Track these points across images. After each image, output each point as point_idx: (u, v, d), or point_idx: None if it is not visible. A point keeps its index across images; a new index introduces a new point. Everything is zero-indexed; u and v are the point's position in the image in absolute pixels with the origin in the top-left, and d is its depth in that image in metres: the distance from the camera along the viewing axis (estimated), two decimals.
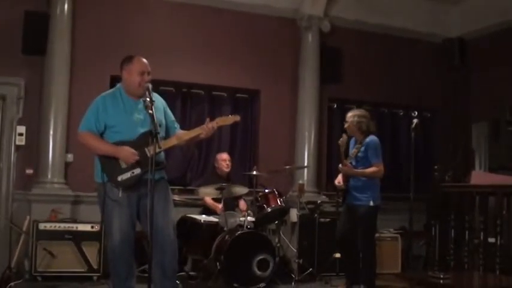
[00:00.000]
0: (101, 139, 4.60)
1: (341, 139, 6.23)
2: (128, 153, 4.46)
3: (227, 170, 7.66)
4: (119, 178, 4.50)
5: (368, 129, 6.25)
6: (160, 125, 4.46)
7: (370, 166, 6.11)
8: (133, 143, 4.51)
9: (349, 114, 6.36)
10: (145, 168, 4.33)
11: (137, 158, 4.46)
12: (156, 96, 4.74)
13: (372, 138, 6.19)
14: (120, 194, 4.51)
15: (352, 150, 6.26)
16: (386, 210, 8.53)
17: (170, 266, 4.61)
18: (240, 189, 7.12)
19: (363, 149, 6.16)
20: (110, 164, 4.52)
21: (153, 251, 4.30)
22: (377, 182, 6.21)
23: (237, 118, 4.86)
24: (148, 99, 4.34)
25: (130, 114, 4.59)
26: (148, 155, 4.37)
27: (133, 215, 4.60)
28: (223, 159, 7.69)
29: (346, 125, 6.36)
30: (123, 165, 4.51)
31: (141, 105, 4.50)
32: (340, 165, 6.27)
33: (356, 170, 6.14)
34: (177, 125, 4.91)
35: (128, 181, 4.50)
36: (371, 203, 6.09)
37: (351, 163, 6.18)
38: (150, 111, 4.25)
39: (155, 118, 4.24)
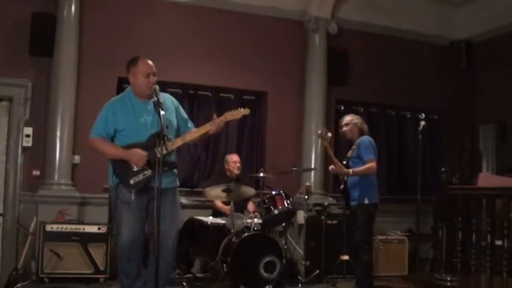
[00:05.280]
0: (111, 144, 4.64)
1: (321, 132, 6.33)
2: (137, 156, 4.49)
3: (237, 172, 7.59)
4: (131, 181, 4.53)
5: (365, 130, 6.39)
6: (169, 126, 4.50)
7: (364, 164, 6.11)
8: (143, 145, 4.53)
9: (348, 118, 6.44)
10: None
11: (146, 159, 4.47)
12: (166, 96, 4.78)
13: (364, 137, 6.27)
14: (133, 197, 4.53)
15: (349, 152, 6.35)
16: (393, 213, 8.58)
17: (165, 271, 4.63)
18: (247, 190, 7.07)
19: (356, 149, 6.21)
20: (122, 167, 4.55)
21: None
22: (372, 180, 6.17)
23: (247, 111, 4.81)
24: (156, 100, 4.39)
25: (139, 116, 4.61)
26: (158, 155, 4.38)
27: (143, 217, 4.63)
28: (234, 161, 7.62)
29: (346, 128, 6.38)
30: (135, 168, 4.53)
31: (150, 107, 4.53)
32: (330, 167, 6.33)
33: (346, 169, 6.16)
34: (190, 124, 4.91)
35: (140, 183, 4.53)
36: (365, 201, 6.04)
37: (344, 164, 6.21)
38: (159, 113, 4.28)
39: (163, 120, 4.26)
